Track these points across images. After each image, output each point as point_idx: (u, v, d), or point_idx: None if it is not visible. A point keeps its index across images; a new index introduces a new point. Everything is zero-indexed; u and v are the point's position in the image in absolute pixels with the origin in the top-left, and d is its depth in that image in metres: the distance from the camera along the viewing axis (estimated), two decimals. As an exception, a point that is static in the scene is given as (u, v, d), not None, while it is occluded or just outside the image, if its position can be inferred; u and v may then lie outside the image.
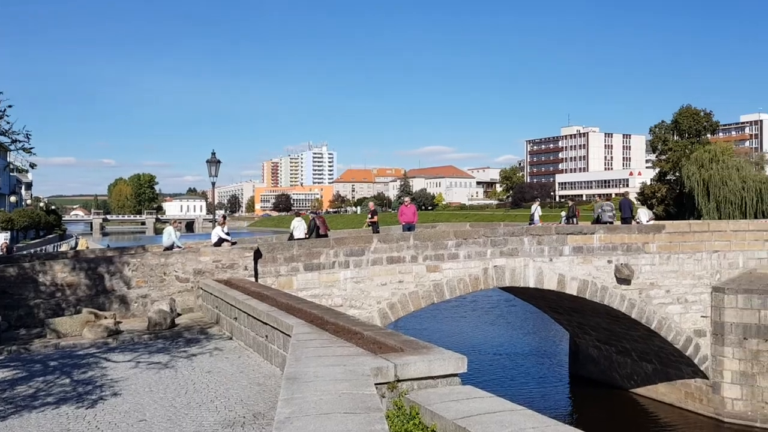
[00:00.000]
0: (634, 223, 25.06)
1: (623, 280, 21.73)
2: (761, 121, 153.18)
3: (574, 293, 21.28)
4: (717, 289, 22.81)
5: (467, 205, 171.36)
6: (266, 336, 10.83)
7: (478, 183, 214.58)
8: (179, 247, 18.07)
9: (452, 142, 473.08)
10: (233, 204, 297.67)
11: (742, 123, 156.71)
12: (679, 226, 24.40)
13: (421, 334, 36.81)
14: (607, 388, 26.96)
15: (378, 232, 22.77)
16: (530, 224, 26.06)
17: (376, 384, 6.66)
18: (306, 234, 22.29)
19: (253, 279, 16.54)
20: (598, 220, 24.57)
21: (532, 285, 20.76)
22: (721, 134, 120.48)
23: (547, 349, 34.60)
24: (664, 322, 22.41)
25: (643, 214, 26.87)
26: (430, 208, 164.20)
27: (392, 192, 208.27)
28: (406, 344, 8.26)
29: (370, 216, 25.03)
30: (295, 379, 6.33)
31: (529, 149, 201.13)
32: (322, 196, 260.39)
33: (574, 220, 26.16)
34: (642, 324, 22.34)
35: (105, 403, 8.57)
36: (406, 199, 26.38)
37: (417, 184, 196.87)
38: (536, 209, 29.76)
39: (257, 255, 17.24)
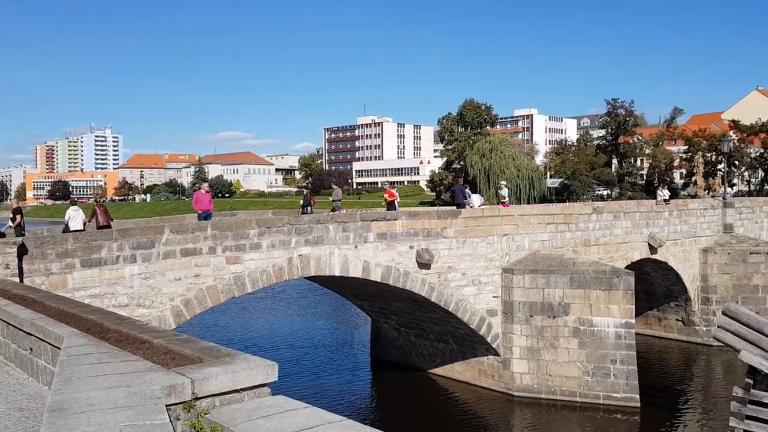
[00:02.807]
0: (467, 207, 26.32)
1: (424, 264, 22.17)
2: (532, 115, 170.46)
3: (379, 279, 21.27)
4: (507, 270, 24.21)
5: (266, 192, 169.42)
6: (30, 349, 9.02)
7: (277, 170, 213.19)
8: None
9: (250, 128, 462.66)
10: (0, 192, 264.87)
11: (516, 117, 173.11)
12: (473, 211, 25.53)
13: (224, 331, 35.24)
14: (407, 371, 27.61)
15: (23, 235, 17.89)
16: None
17: (168, 405, 5.58)
18: (85, 223, 19.77)
19: (17, 279, 14.08)
20: (333, 210, 25.06)
21: (337, 273, 20.33)
22: (498, 126, 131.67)
23: (351, 336, 34.90)
24: (460, 304, 23.29)
25: (476, 200, 28.72)
26: (227, 195, 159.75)
27: (186, 179, 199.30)
28: (205, 352, 7.14)
29: (11, 217, 19.32)
30: (61, 410, 5.00)
31: (327, 137, 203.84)
32: (106, 183, 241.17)
33: (309, 209, 25.79)
34: (441, 306, 23.01)
35: None
36: (204, 185, 24.57)
37: (213, 171, 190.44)
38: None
39: (22, 251, 14.68)
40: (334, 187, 30.65)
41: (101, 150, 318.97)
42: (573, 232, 26.84)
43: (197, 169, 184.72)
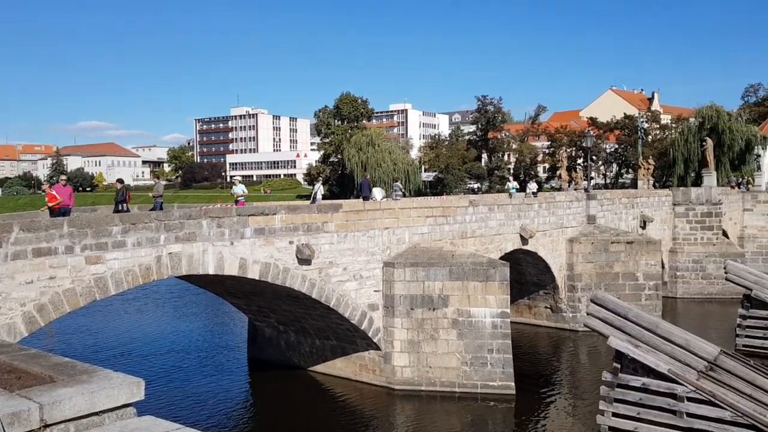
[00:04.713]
0: (371, 200, 26.74)
1: (304, 260, 21.52)
2: (406, 110, 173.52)
3: (257, 277, 20.34)
4: (388, 264, 24.08)
5: (133, 185, 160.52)
6: None
7: (145, 162, 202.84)
8: None
9: (113, 118, 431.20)
10: None
11: (392, 111, 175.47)
12: (354, 205, 25.18)
13: (90, 336, 32.82)
14: (286, 369, 26.86)
15: None
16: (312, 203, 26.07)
17: (11, 437, 4.65)
18: None
19: None
20: (155, 207, 23.60)
21: (212, 272, 19.19)
22: (374, 120, 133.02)
23: (227, 337, 33.55)
24: (342, 300, 22.86)
25: (378, 193, 29.58)
26: (89, 189, 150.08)
27: (42, 171, 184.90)
28: (58, 370, 6.21)
29: None
30: None
31: (198, 128, 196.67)
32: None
33: (124, 205, 22.67)
34: (322, 303, 22.46)
35: None
36: (63, 177, 22.41)
37: (73, 163, 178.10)
38: (318, 188, 30.79)
39: None
40: (155, 181, 28.65)
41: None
42: (451, 224, 27.22)
43: (55, 161, 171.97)
